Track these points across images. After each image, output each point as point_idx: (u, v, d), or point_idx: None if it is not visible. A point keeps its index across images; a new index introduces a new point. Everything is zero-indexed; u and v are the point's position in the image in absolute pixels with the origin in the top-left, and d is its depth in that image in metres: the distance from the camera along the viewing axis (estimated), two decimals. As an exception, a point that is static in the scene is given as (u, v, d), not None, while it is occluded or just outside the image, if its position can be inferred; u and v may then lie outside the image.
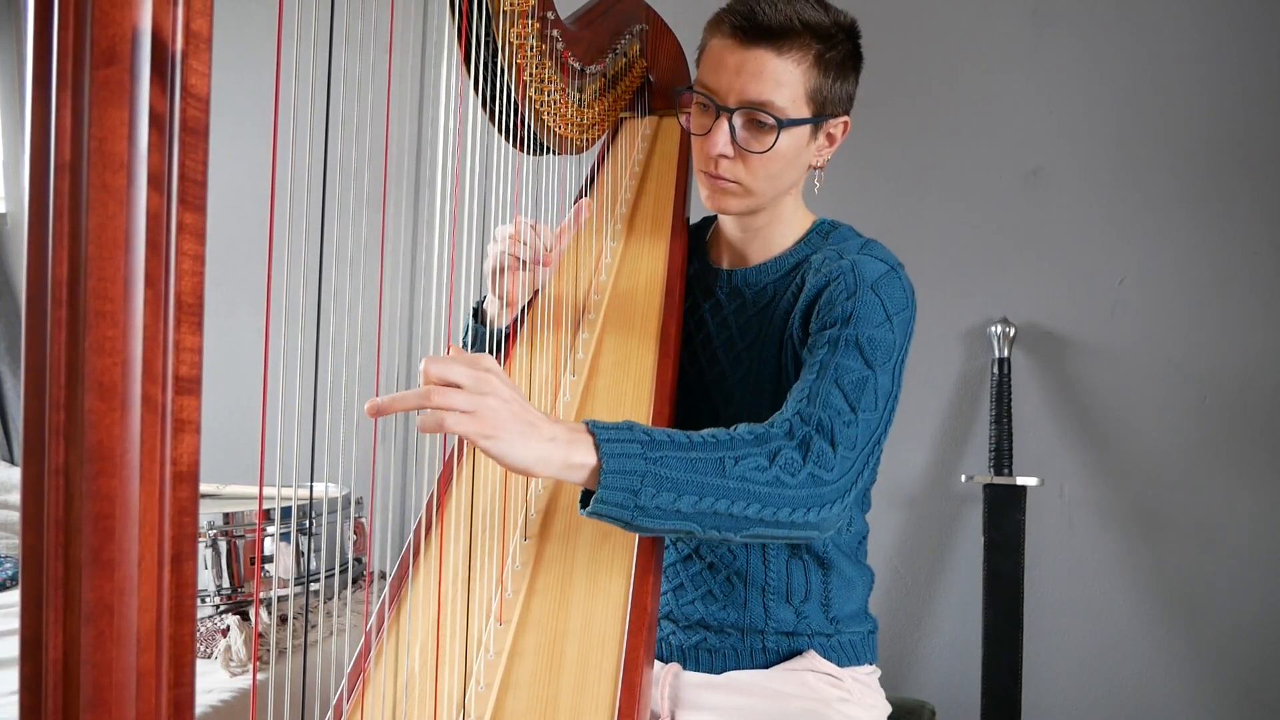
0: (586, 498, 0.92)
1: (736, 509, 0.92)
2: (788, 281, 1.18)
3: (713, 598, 1.19)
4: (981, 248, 2.25)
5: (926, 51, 2.26)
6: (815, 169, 1.19)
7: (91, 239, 0.48)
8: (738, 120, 1.11)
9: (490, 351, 1.21)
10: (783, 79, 1.09)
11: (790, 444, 0.96)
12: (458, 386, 0.83)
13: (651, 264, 1.28)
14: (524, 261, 1.16)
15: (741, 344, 1.20)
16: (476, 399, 0.83)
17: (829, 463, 0.96)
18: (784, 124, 1.09)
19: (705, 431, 0.95)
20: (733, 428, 0.97)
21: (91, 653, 0.49)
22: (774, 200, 1.18)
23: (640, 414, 1.11)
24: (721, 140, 1.11)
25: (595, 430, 0.90)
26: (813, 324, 1.11)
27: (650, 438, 0.91)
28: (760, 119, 1.10)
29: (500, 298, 1.18)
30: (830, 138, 1.17)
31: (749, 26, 1.08)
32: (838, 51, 1.11)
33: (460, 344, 1.27)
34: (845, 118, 1.17)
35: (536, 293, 1.23)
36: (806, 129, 1.13)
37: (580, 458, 0.88)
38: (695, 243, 1.33)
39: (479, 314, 1.25)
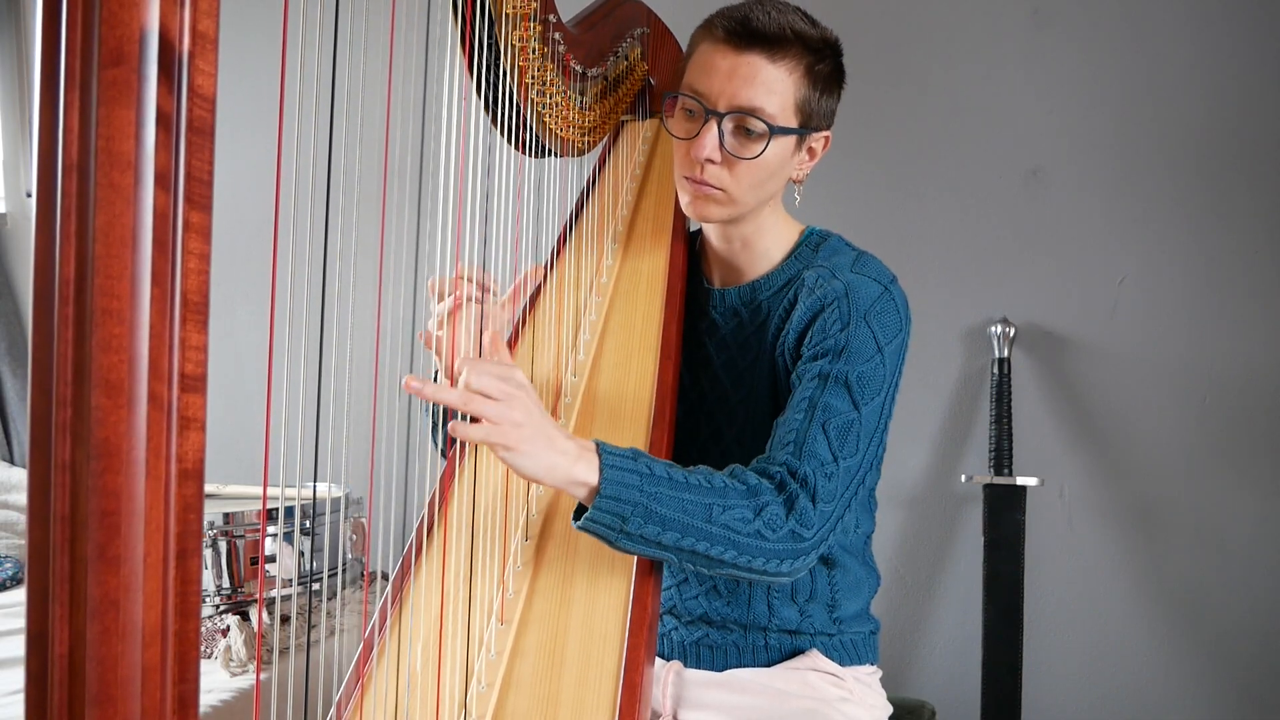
0: (580, 510, 0.97)
1: (714, 552, 0.97)
2: (781, 298, 1.18)
3: (716, 593, 1.20)
4: (981, 248, 2.25)
5: (926, 52, 2.26)
6: (795, 182, 1.20)
7: (99, 237, 0.48)
8: (727, 125, 1.10)
9: None
10: (775, 86, 1.08)
11: (778, 500, 1.00)
12: (488, 395, 0.89)
13: (652, 266, 1.29)
14: (472, 300, 1.08)
15: (743, 363, 1.20)
16: (503, 410, 0.89)
17: (809, 520, 1.00)
18: (774, 131, 1.09)
19: (701, 471, 0.99)
20: (728, 471, 1.01)
21: (97, 648, 0.49)
22: (755, 210, 1.17)
23: (641, 415, 1.11)
24: (710, 144, 1.10)
25: (603, 452, 0.94)
26: (804, 348, 1.11)
27: (651, 471, 0.95)
28: (750, 125, 1.09)
29: (443, 356, 1.09)
30: (811, 151, 1.17)
31: (743, 31, 1.08)
32: (826, 65, 1.11)
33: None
34: (827, 132, 1.17)
35: (538, 289, 1.24)
36: (792, 140, 1.12)
37: (583, 475, 0.93)
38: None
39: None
